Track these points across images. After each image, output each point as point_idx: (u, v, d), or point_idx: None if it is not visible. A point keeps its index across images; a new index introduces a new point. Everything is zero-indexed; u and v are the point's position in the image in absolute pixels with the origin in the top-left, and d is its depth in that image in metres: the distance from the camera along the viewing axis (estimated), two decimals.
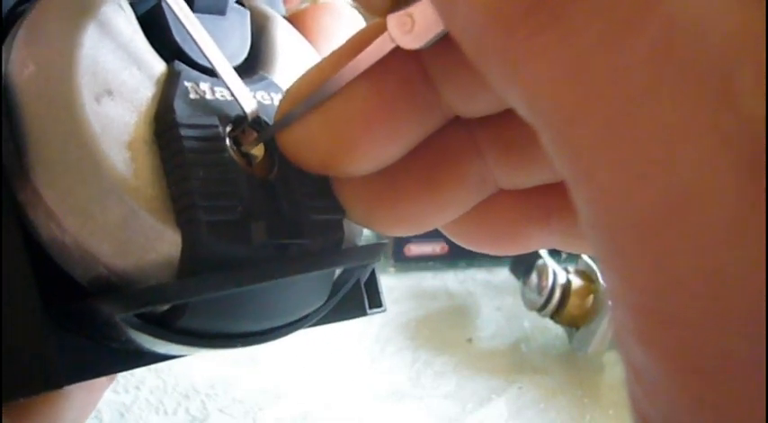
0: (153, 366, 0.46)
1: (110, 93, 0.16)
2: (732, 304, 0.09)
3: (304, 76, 0.17)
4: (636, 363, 0.11)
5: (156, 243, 0.16)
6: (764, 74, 0.09)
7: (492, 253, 0.20)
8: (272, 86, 0.19)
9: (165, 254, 0.16)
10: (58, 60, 0.16)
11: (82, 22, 0.17)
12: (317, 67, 0.17)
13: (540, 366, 0.51)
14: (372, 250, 0.19)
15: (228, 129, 0.18)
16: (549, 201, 0.19)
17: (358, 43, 0.16)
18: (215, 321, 0.17)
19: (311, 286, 0.19)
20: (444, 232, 0.20)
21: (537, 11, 0.10)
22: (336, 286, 0.20)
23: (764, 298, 0.09)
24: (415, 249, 0.60)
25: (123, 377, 0.45)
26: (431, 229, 0.19)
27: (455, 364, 0.50)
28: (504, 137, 0.18)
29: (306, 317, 0.19)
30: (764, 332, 0.09)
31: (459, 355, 0.51)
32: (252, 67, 0.20)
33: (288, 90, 0.17)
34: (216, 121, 0.17)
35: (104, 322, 0.16)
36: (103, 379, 0.22)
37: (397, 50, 0.15)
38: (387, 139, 0.17)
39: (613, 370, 0.52)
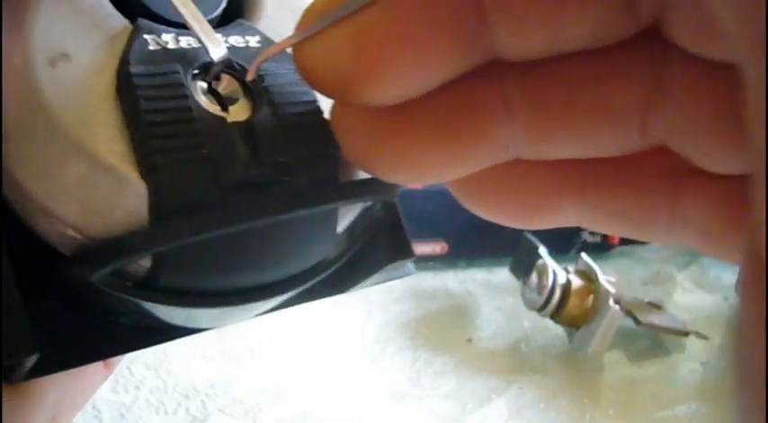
0: (153, 366, 0.46)
1: (65, 56, 0.16)
2: None
3: None
4: None
5: (120, 198, 0.16)
6: None
7: (514, 225, 0.18)
8: (249, 30, 0.18)
9: (132, 209, 0.16)
10: (12, 32, 0.16)
11: None
12: None
13: (540, 366, 0.51)
14: (377, 185, 0.17)
15: (195, 75, 0.17)
16: (586, 169, 0.17)
17: None
18: (201, 276, 0.17)
19: (309, 230, 0.17)
20: (457, 195, 0.17)
21: None
22: (355, 236, 0.19)
23: None
24: (414, 249, 0.60)
25: (123, 377, 0.45)
26: (431, 182, 0.16)
27: (455, 364, 0.50)
28: (542, 97, 0.16)
29: (314, 269, 0.18)
30: None
31: (459, 355, 0.51)
32: (232, 16, 0.19)
33: (311, 3, 0.15)
34: (177, 67, 0.17)
35: (89, 290, 0.16)
36: (98, 369, 0.21)
37: None
38: (420, 66, 0.15)
39: (613, 370, 0.52)
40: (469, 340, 0.53)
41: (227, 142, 0.16)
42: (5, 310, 0.15)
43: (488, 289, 0.58)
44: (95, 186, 0.16)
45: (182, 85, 0.17)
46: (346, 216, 0.19)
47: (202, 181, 0.16)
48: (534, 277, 0.51)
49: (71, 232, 0.16)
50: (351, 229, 0.19)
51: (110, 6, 0.18)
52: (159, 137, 0.16)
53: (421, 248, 0.61)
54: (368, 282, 0.21)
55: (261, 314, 0.20)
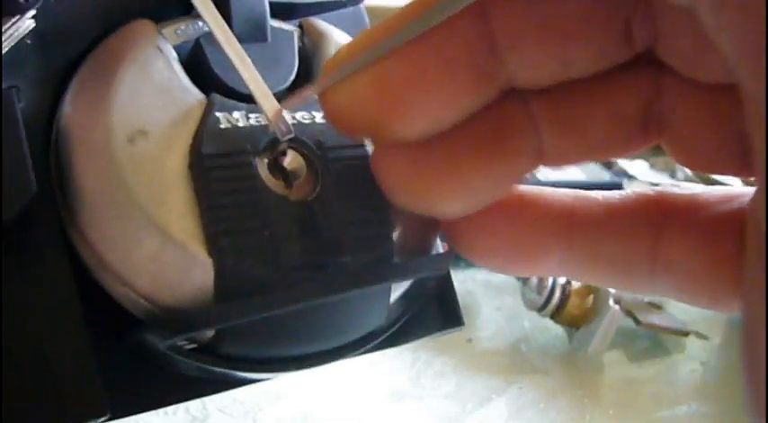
0: None
1: (144, 133, 0.17)
2: None
3: (358, 35, 0.16)
4: None
5: (189, 274, 0.17)
6: None
7: (501, 270, 0.19)
8: (316, 104, 0.19)
9: (200, 284, 0.17)
10: (95, 107, 0.17)
11: (119, 68, 0.18)
12: (374, 27, 0.16)
13: (540, 366, 0.51)
14: (426, 263, 0.19)
15: (263, 153, 0.18)
16: (575, 218, 0.18)
17: (421, 4, 0.15)
18: (259, 346, 0.18)
19: (363, 305, 0.19)
20: (450, 239, 0.19)
21: None
22: (408, 304, 0.20)
23: None
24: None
25: None
26: (477, 207, 0.17)
27: (455, 364, 0.50)
28: (560, 112, 0.17)
29: (367, 337, 0.19)
30: None
31: (459, 355, 0.51)
32: (302, 87, 0.20)
33: (339, 49, 0.16)
34: (246, 146, 0.18)
35: (158, 353, 0.17)
36: None
37: (464, 13, 0.14)
38: (441, 103, 0.16)
39: (613, 370, 0.52)
40: (469, 340, 0.53)
41: (288, 223, 0.17)
42: (80, 374, 0.17)
43: (488, 289, 0.58)
44: (167, 262, 0.17)
45: (249, 165, 0.17)
46: (400, 287, 0.19)
47: (263, 263, 0.17)
48: (534, 277, 0.51)
49: (143, 301, 0.17)
50: (404, 297, 0.20)
51: (186, 80, 0.18)
52: (225, 219, 0.17)
53: None
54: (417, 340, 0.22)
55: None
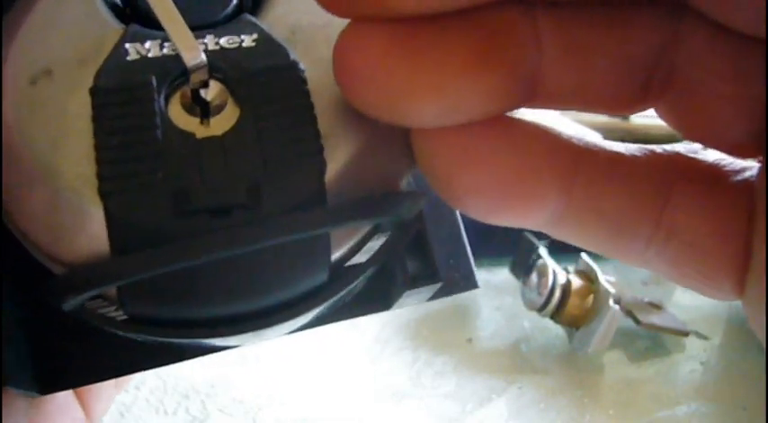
0: None
1: (48, 72, 0.16)
2: None
3: None
4: None
5: (84, 224, 0.15)
6: None
7: (476, 212, 0.16)
8: (248, 27, 0.17)
9: (96, 234, 0.15)
10: (4, 45, 0.16)
11: (33, 1, 0.16)
12: None
13: (540, 366, 0.51)
14: (373, 204, 0.15)
15: (173, 83, 0.16)
16: (581, 157, 0.16)
17: None
18: (167, 306, 0.16)
19: (290, 257, 0.16)
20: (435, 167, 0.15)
21: None
22: (370, 260, 0.17)
23: None
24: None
25: None
26: (455, 120, 0.15)
27: (455, 364, 0.50)
28: (570, 35, 0.15)
29: (307, 297, 0.16)
30: None
31: (459, 355, 0.51)
32: (252, 11, 0.18)
33: None
34: (150, 79, 0.16)
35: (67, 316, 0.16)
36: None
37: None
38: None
39: (613, 370, 0.52)
40: (469, 340, 0.53)
41: (190, 164, 0.15)
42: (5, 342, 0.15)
43: (488, 289, 0.58)
44: (61, 210, 0.15)
45: (150, 99, 0.15)
46: (349, 241, 0.16)
47: (155, 209, 0.15)
48: (534, 277, 0.51)
49: (44, 258, 0.16)
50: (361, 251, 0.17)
51: (105, 13, 0.17)
52: (113, 161, 0.15)
53: None
54: (415, 300, 0.19)
55: (291, 332, 0.19)
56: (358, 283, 0.17)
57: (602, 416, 0.47)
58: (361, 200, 0.15)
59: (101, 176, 0.15)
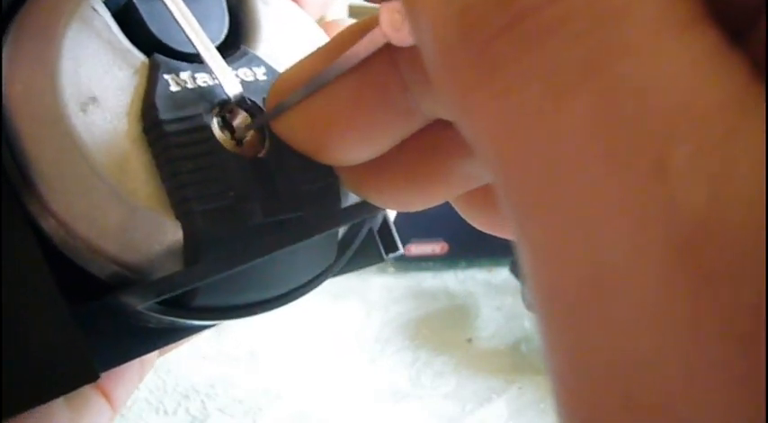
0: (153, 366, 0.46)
1: (94, 100, 0.17)
2: (642, 394, 0.09)
3: (293, 67, 0.17)
4: None
5: (158, 237, 0.17)
6: (703, 155, 0.08)
7: (507, 236, 0.19)
8: (254, 61, 0.19)
9: (170, 244, 0.17)
10: (41, 77, 0.17)
11: (58, 32, 0.18)
12: (306, 59, 0.17)
13: (540, 366, 0.51)
14: (368, 208, 0.20)
15: (214, 113, 0.18)
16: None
17: (348, 38, 0.16)
18: (228, 295, 0.19)
19: (316, 248, 0.20)
20: (457, 210, 0.20)
21: (479, 63, 0.10)
22: (349, 238, 0.21)
23: (677, 393, 0.09)
24: (415, 249, 0.60)
25: None
26: (421, 209, 0.19)
27: (455, 364, 0.50)
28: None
29: (320, 275, 0.20)
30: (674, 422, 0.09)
31: (459, 355, 0.51)
32: (234, 41, 0.20)
33: (277, 79, 0.18)
34: (199, 109, 0.18)
35: (131, 312, 0.18)
36: (135, 371, 0.22)
37: (376, 57, 0.16)
38: (365, 142, 0.17)
39: None
40: (469, 340, 0.53)
41: (249, 184, 0.18)
42: (65, 342, 0.17)
43: (488, 289, 0.58)
44: (137, 228, 0.17)
45: (206, 127, 0.18)
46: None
47: (231, 224, 0.18)
48: None
49: (114, 266, 0.18)
50: (349, 232, 0.21)
51: (126, 42, 0.18)
52: (191, 184, 0.17)
53: (421, 248, 0.61)
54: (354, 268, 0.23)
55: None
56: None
57: None
58: (365, 203, 0.19)
59: (183, 198, 0.17)
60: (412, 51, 0.15)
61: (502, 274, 0.59)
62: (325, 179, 0.19)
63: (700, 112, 0.09)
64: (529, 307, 0.52)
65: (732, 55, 0.09)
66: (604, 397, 0.09)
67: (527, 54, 0.09)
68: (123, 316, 0.18)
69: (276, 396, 0.46)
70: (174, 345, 0.21)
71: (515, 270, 0.56)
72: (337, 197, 0.19)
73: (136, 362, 0.21)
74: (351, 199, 0.20)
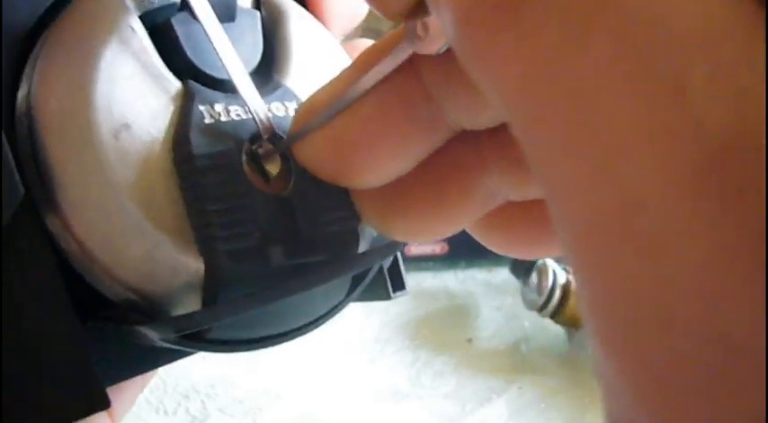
0: None
1: (127, 126, 0.17)
2: (679, 310, 0.09)
3: (318, 91, 0.17)
4: (601, 369, 0.11)
5: (180, 271, 0.17)
6: (720, 75, 0.09)
7: (524, 257, 0.20)
8: (287, 95, 0.19)
9: (190, 280, 0.17)
10: (77, 99, 0.17)
11: (96, 52, 0.17)
12: (331, 83, 0.17)
13: (540, 366, 0.51)
14: (385, 252, 0.20)
15: (245, 149, 0.18)
16: None
17: (372, 57, 0.16)
18: (242, 330, 0.19)
19: (330, 287, 0.20)
20: (474, 236, 0.20)
21: (500, 9, 0.10)
22: (360, 273, 0.21)
23: (711, 304, 0.09)
24: (415, 249, 0.60)
25: None
26: (442, 237, 0.19)
27: (455, 364, 0.50)
28: (509, 151, 0.17)
29: (331, 310, 0.20)
30: (710, 334, 0.09)
31: (459, 355, 0.51)
32: (267, 69, 0.20)
33: (302, 104, 0.18)
34: (231, 144, 0.18)
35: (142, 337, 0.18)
36: (137, 383, 0.22)
37: (398, 71, 0.16)
38: (391, 158, 0.17)
39: None
40: (469, 340, 0.53)
41: (274, 223, 0.18)
42: (79, 369, 0.17)
43: (488, 289, 0.58)
44: (159, 260, 0.17)
45: (238, 164, 0.17)
46: None
47: (255, 265, 0.17)
48: (534, 277, 0.52)
49: (131, 294, 0.18)
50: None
51: (162, 66, 0.18)
52: (218, 222, 0.17)
53: (421, 248, 0.61)
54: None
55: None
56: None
57: (602, 416, 0.48)
58: (383, 246, 0.20)
59: (210, 237, 0.17)
60: (434, 59, 0.15)
61: (502, 274, 0.59)
62: (346, 221, 0.19)
63: (713, 35, 0.09)
64: (529, 307, 0.52)
65: None
66: (641, 319, 0.10)
67: None
68: (131, 337, 0.18)
69: (276, 396, 0.46)
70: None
71: (515, 270, 0.56)
72: (357, 239, 0.19)
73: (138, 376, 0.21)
74: (368, 239, 0.20)
